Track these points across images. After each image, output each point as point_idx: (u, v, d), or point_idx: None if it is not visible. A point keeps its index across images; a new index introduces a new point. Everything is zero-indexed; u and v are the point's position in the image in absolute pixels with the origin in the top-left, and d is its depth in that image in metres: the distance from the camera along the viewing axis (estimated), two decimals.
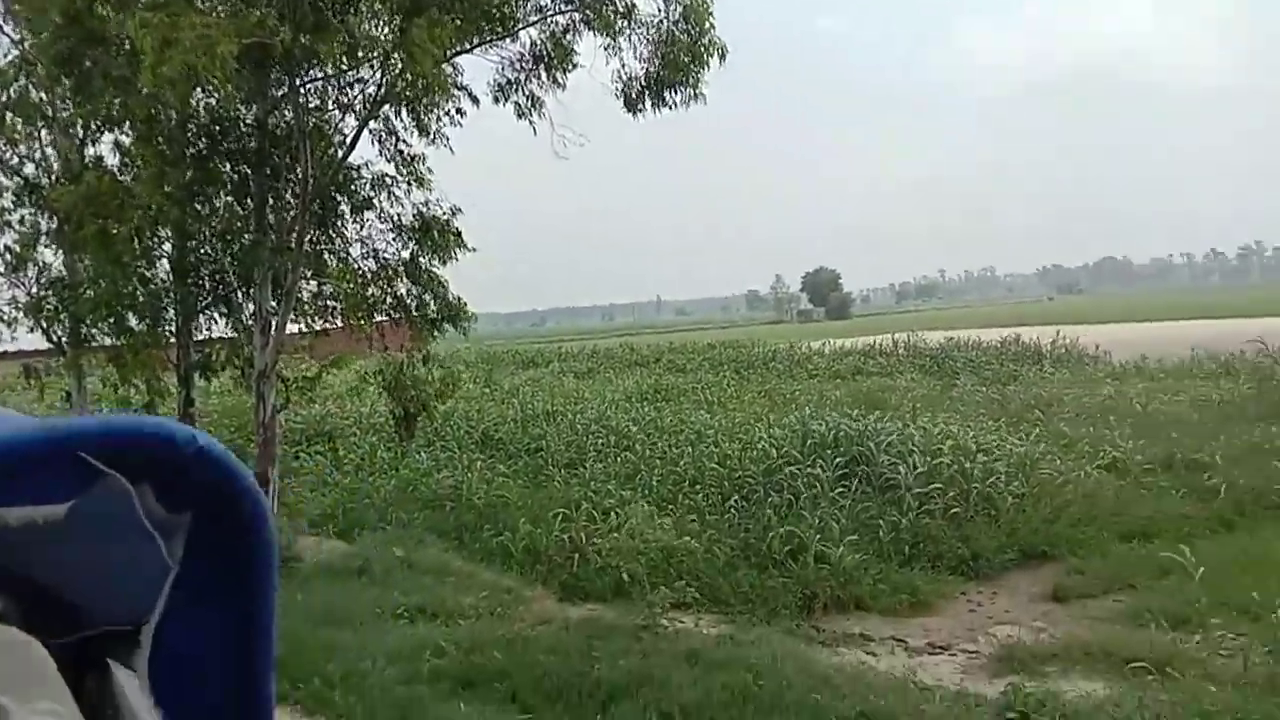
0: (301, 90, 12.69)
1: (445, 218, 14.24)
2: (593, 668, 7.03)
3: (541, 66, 13.27)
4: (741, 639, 8.31)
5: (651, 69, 12.75)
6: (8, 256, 15.50)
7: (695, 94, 12.75)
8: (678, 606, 9.44)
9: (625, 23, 12.53)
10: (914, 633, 10.55)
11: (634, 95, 12.93)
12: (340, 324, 15.72)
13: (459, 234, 14.27)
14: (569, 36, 13.14)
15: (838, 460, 14.62)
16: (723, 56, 12.65)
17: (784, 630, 9.89)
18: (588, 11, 12.74)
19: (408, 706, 6.82)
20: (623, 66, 12.96)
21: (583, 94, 13.70)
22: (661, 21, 12.56)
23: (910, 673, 7.99)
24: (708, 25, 12.71)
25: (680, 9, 12.59)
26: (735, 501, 13.58)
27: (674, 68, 12.46)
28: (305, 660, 7.59)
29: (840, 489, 13.79)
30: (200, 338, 15.64)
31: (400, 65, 11.06)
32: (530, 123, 13.57)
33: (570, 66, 13.30)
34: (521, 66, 13.38)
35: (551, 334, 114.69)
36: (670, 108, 12.92)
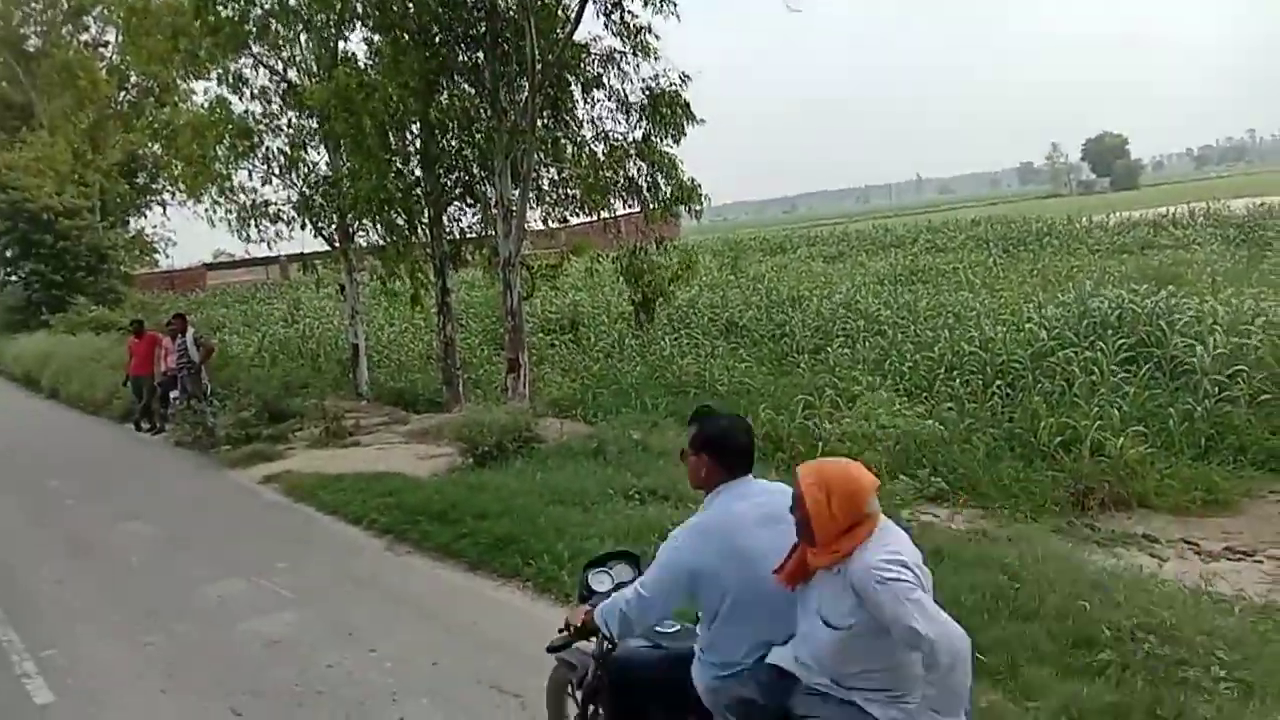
0: None
1: (674, 90, 13.62)
2: None
3: None
4: (997, 535, 7.42)
5: None
6: (280, 159, 16.57)
7: None
8: (931, 499, 8.62)
9: None
10: (1210, 535, 9.10)
11: None
12: (580, 213, 15.71)
13: (687, 105, 13.65)
14: None
15: (1120, 343, 12.89)
16: None
17: (1051, 528, 8.85)
18: None
19: None
20: None
21: None
22: None
23: (1204, 581, 6.81)
24: None
25: None
26: (998, 389, 12.33)
27: None
28: (536, 537, 7.59)
29: (1123, 374, 12.14)
30: (452, 231, 16.21)
31: None
32: None
33: None
34: None
35: (803, 219, 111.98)
36: None
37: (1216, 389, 11.53)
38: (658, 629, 3.41)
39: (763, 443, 11.72)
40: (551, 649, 3.54)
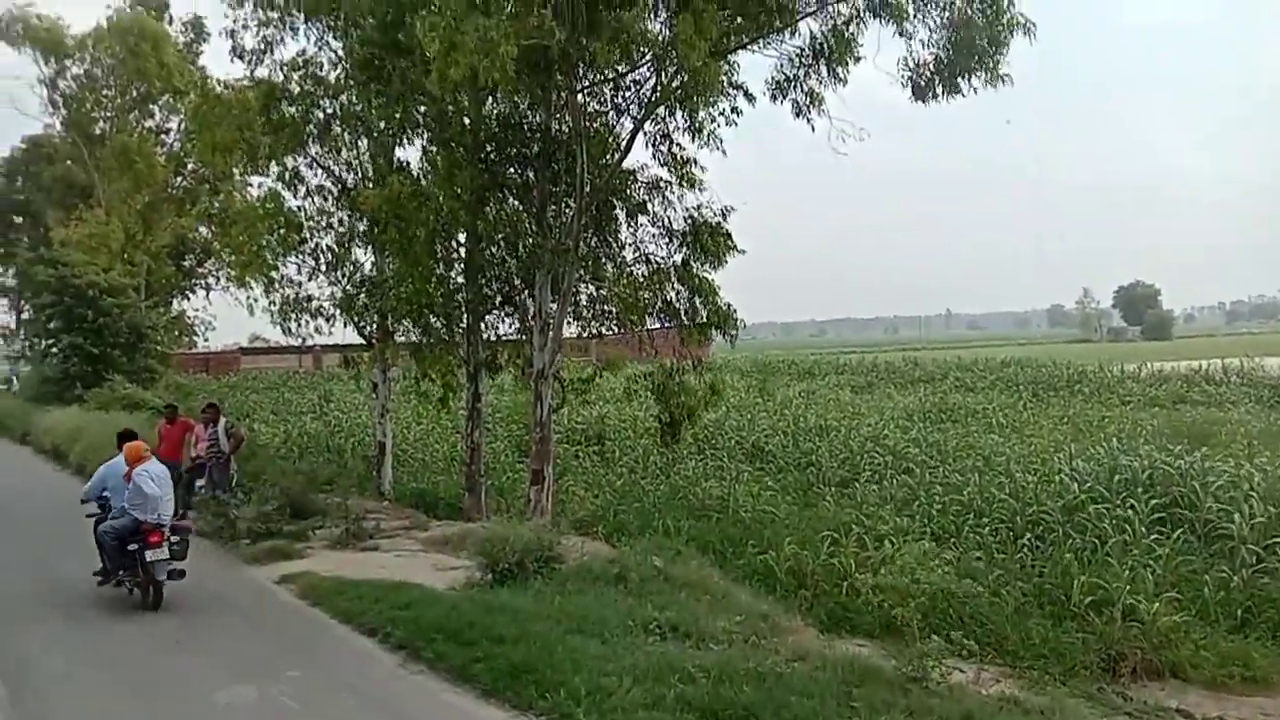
0: (580, 94, 12.86)
1: (715, 220, 13.97)
2: None
3: (821, 61, 12.60)
4: (1030, 704, 7.17)
5: (943, 55, 11.69)
6: (328, 256, 16.96)
7: (995, 77, 11.55)
8: (957, 655, 8.39)
9: (916, 6, 11.57)
10: (1247, 715, 8.81)
11: (923, 83, 11.91)
12: (615, 328, 15.91)
13: (729, 236, 13.98)
14: (852, 26, 12.37)
15: (1153, 502, 12.76)
16: (1027, 33, 11.35)
17: (1081, 694, 8.58)
18: None
19: None
20: (910, 54, 12.02)
21: (867, 93, 12.98)
22: (953, 2, 11.49)
23: None
24: (1006, 4, 11.51)
25: None
26: (1028, 540, 12.13)
27: (968, 52, 11.33)
28: (554, 669, 7.39)
29: (1155, 535, 11.95)
30: (488, 337, 16.42)
31: (673, 63, 10.85)
32: (808, 120, 12.95)
33: (853, 59, 12.52)
34: (800, 62, 12.78)
35: (831, 345, 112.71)
36: (963, 95, 11.80)
37: (1254, 558, 11.30)
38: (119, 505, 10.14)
39: (786, 578, 11.58)
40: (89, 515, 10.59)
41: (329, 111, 16.18)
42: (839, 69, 12.70)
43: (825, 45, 12.46)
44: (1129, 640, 9.65)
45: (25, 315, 45.67)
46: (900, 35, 11.97)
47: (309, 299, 17.26)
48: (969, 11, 11.35)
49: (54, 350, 33.53)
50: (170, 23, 40.44)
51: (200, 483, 14.49)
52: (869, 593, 10.01)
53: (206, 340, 48.44)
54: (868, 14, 12.03)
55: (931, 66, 11.94)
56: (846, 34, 12.32)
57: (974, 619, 9.85)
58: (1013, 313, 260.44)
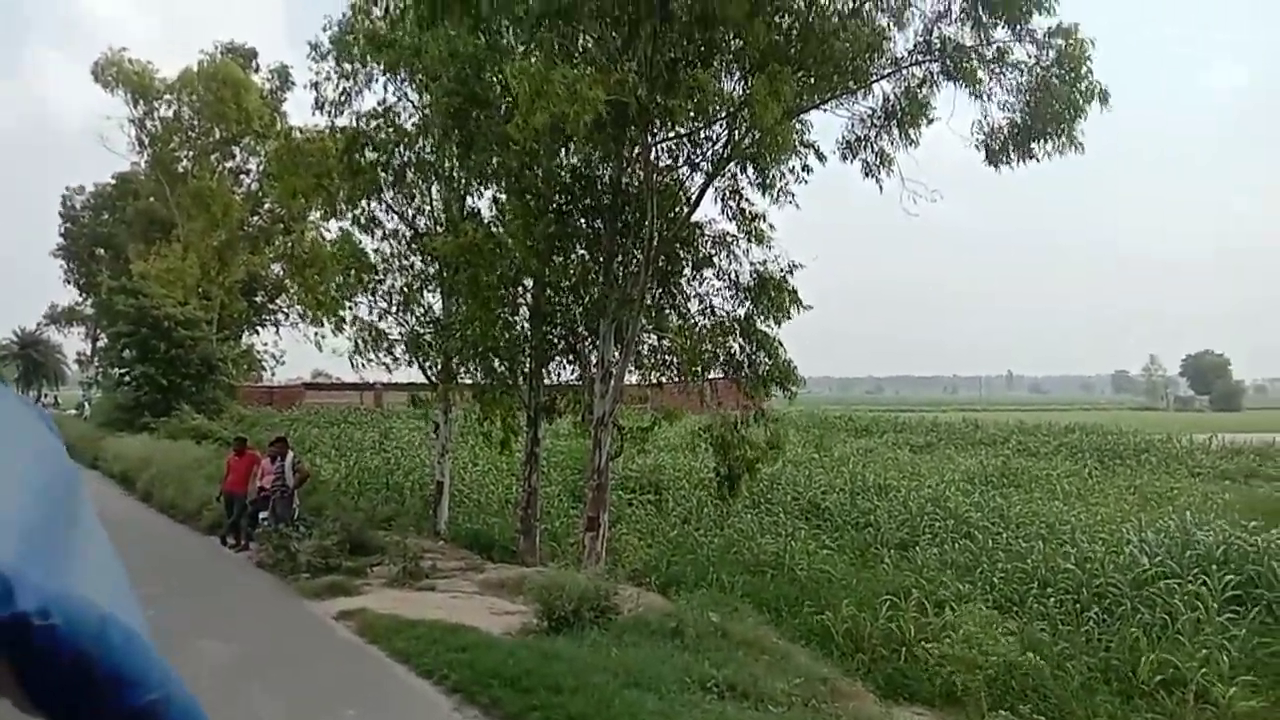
0: (653, 149, 13.08)
1: (780, 276, 13.99)
2: None
3: (893, 122, 12.66)
4: None
5: (1018, 119, 11.69)
6: (399, 297, 17.35)
7: (1070, 143, 11.50)
8: None
9: (992, 71, 11.61)
10: None
11: (996, 148, 11.90)
12: (676, 378, 15.96)
13: (794, 292, 13.97)
14: (925, 90, 12.44)
15: (1228, 579, 12.31)
16: (1104, 101, 11.30)
17: None
18: (948, 62, 11.96)
19: None
20: (985, 118, 12.03)
21: (932, 150, 12.99)
22: (1033, 67, 11.50)
23: None
24: (1085, 70, 11.49)
25: (1054, 54, 11.46)
26: (1094, 614, 11.80)
27: (1045, 117, 11.31)
28: None
29: (1230, 614, 11.54)
30: (549, 383, 16.59)
31: (746, 121, 11.01)
32: (877, 181, 12.99)
33: (925, 121, 12.57)
34: (872, 122, 12.86)
35: (889, 402, 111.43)
36: (1037, 159, 11.76)
37: None
38: None
39: (843, 640, 11.39)
40: None
41: (404, 159, 16.67)
42: (911, 131, 12.75)
43: (898, 107, 12.54)
44: None
45: (101, 343, 47.25)
46: (975, 98, 12.00)
47: (381, 336, 17.64)
48: (1048, 77, 11.34)
49: (127, 379, 34.49)
50: (257, 70, 42.06)
51: (264, 515, 14.76)
52: (932, 661, 9.80)
53: (273, 374, 49.61)
54: (941, 77, 12.09)
55: (1005, 131, 11.94)
56: (920, 96, 12.39)
57: (1036, 692, 9.58)
58: (1077, 376, 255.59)
